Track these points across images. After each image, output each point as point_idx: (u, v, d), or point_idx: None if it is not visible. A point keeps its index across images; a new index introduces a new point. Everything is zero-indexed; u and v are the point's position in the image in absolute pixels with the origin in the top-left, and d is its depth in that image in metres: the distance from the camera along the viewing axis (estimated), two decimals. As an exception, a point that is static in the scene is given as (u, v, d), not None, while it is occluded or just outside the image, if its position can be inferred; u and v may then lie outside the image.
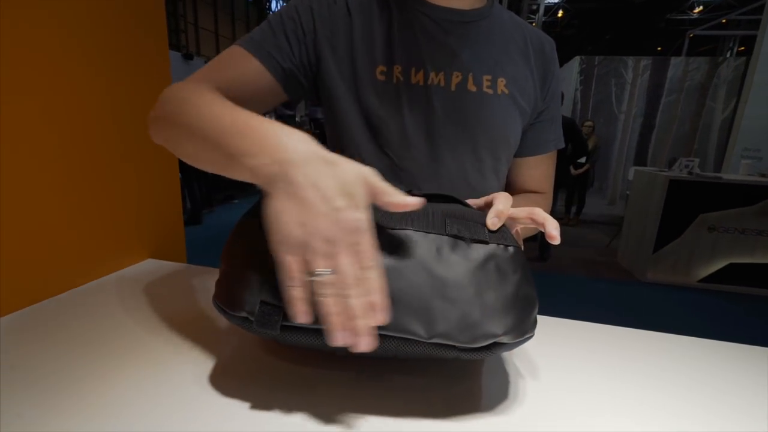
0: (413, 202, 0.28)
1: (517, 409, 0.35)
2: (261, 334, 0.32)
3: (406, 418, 0.33)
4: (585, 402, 0.36)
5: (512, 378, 0.39)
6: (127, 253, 0.65)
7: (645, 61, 5.12)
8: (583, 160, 4.19)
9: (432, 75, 0.51)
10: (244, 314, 0.31)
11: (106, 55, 0.59)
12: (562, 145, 0.62)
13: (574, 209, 4.51)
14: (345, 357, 0.38)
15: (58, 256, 0.54)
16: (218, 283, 0.35)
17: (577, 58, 5.28)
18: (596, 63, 5.25)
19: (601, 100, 5.29)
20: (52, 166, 0.53)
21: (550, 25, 10.96)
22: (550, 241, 0.36)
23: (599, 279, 3.01)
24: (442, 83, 0.51)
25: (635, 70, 5.15)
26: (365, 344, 0.26)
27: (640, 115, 5.26)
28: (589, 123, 4.41)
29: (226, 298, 0.33)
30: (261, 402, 0.34)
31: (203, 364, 0.39)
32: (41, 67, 0.50)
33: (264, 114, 0.37)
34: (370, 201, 0.28)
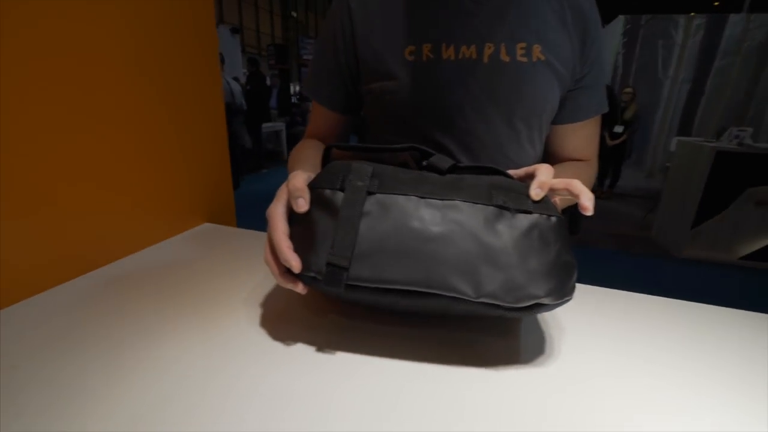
0: (302, 209, 0.36)
1: (553, 363, 0.38)
2: (327, 292, 0.36)
3: (452, 366, 0.37)
4: (616, 362, 0.39)
5: (548, 337, 0.42)
6: (186, 218, 0.72)
7: (698, 20, 4.65)
8: (620, 129, 3.98)
9: (463, 49, 0.51)
10: (312, 274, 0.35)
11: (158, 36, 0.63)
12: (606, 110, 0.59)
13: (607, 181, 4.34)
14: (400, 314, 0.43)
15: (127, 221, 0.61)
16: None
17: (621, 18, 4.87)
18: (642, 23, 4.82)
19: (645, 64, 4.90)
20: (121, 145, 0.58)
21: (593, -19, 10.03)
22: (582, 212, 0.37)
23: (631, 254, 2.94)
24: (474, 56, 0.51)
25: (686, 31, 4.70)
26: (299, 288, 0.37)
27: (688, 80, 4.85)
28: (628, 90, 4.12)
29: None
30: (320, 350, 0.39)
31: (269, 317, 0.44)
32: (99, 44, 0.54)
33: None
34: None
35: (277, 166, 5.32)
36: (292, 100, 6.51)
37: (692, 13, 4.71)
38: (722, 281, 2.56)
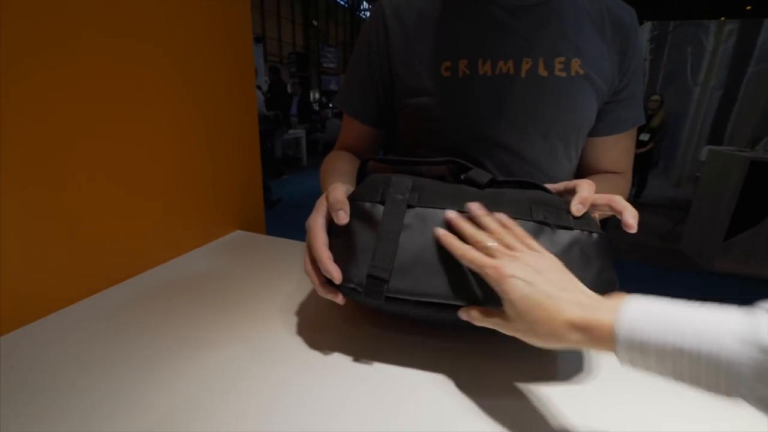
0: (343, 221, 0.38)
1: (592, 381, 0.38)
2: (367, 303, 0.37)
3: (489, 379, 0.37)
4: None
5: (584, 353, 0.42)
6: (220, 226, 0.74)
7: (730, 26, 4.50)
8: (646, 137, 3.87)
9: (500, 64, 0.51)
10: (352, 285, 0.36)
11: (197, 47, 0.65)
12: (643, 121, 0.59)
13: (633, 190, 4.22)
14: (435, 326, 0.43)
15: (163, 230, 0.63)
16: None
17: (648, 24, 4.76)
18: (671, 29, 4.69)
19: (674, 70, 4.76)
20: (159, 155, 0.61)
21: (617, -14, 9.76)
22: (626, 230, 0.37)
23: (659, 266, 2.84)
24: (512, 71, 0.51)
25: (717, 36, 4.55)
26: (339, 299, 0.38)
27: (720, 87, 4.68)
28: (656, 97, 4.01)
29: None
30: (356, 360, 0.39)
31: (305, 326, 0.45)
32: (141, 56, 0.57)
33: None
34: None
35: (297, 172, 5.40)
36: (313, 107, 6.63)
37: (723, 18, 4.56)
38: (758, 296, 2.43)
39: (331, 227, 0.39)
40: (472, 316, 0.34)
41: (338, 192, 0.38)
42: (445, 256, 0.35)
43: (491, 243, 0.33)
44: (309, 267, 0.38)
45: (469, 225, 0.35)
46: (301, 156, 6.02)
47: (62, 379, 0.35)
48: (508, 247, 0.33)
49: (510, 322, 0.31)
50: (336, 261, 0.37)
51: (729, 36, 4.54)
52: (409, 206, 0.37)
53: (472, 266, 0.33)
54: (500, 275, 0.30)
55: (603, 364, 0.40)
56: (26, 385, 0.35)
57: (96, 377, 0.36)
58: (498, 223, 0.35)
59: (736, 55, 4.57)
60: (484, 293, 0.34)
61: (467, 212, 0.36)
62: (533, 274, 0.30)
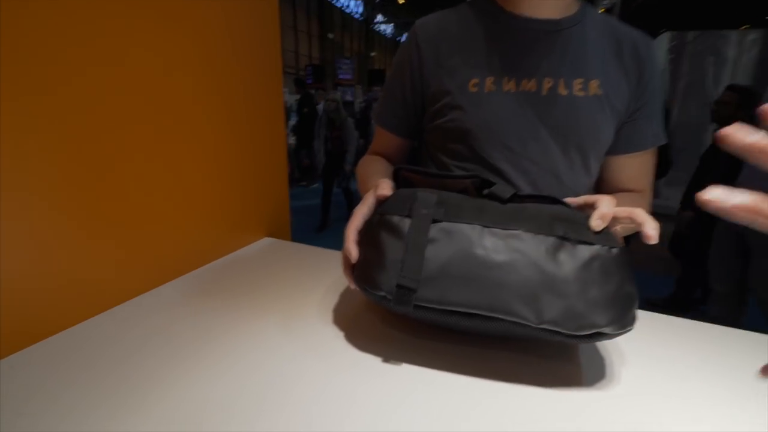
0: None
1: (615, 387, 0.39)
2: (396, 310, 0.40)
3: (515, 384, 0.39)
4: (676, 388, 0.40)
5: (608, 362, 0.43)
6: (251, 232, 0.78)
7: (753, 35, 4.43)
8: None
9: (524, 82, 0.55)
10: (383, 293, 0.39)
11: (226, 63, 0.69)
12: (663, 141, 0.60)
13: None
14: (463, 333, 0.45)
15: (200, 235, 0.67)
16: (359, 266, 0.43)
17: (667, 34, 4.71)
18: (690, 39, 4.64)
19: (694, 81, 4.69)
20: (196, 165, 0.65)
21: (633, -4, 9.65)
22: (646, 241, 0.38)
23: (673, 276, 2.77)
24: (534, 89, 0.55)
25: (740, 46, 4.48)
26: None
27: (743, 97, 4.59)
28: None
29: (367, 280, 0.41)
30: (386, 361, 0.42)
31: (341, 326, 0.48)
32: (173, 70, 0.62)
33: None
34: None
35: (313, 181, 5.50)
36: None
37: (745, 27, 4.48)
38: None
39: (363, 239, 0.42)
40: None
41: (385, 188, 0.44)
42: (470, 267, 0.37)
43: None
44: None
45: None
46: (318, 165, 6.10)
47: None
48: None
49: None
50: (367, 270, 0.40)
51: (752, 45, 4.45)
52: (435, 220, 0.40)
53: None
54: None
55: (624, 372, 0.42)
56: (38, 391, 0.38)
57: (118, 380, 0.39)
58: None
59: (760, 63, 4.47)
60: (509, 304, 0.36)
61: (491, 227, 0.39)
62: None
